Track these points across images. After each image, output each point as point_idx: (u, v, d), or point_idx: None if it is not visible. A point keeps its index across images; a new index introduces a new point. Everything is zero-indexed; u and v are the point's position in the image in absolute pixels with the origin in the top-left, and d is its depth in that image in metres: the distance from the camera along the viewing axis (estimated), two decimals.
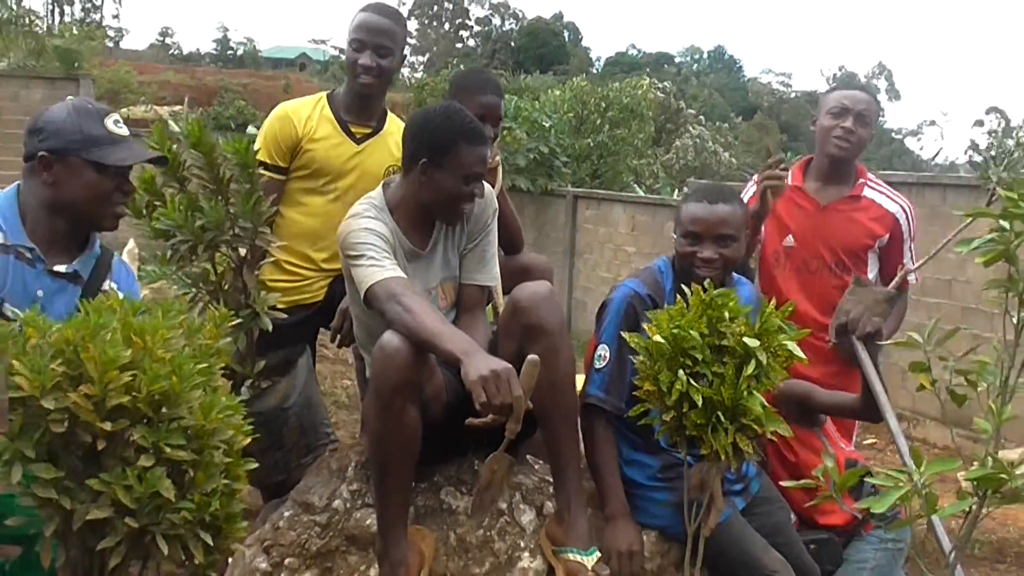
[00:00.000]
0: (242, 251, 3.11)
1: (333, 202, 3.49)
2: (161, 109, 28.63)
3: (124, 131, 2.72)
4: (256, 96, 39.34)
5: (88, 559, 1.99)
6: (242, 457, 2.92)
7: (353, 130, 3.56)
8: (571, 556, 2.74)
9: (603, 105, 17.73)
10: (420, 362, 2.61)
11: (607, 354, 2.97)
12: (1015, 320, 2.26)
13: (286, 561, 2.86)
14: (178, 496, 1.97)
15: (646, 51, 72.06)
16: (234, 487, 2.13)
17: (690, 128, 27.11)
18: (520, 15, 65.86)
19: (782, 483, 2.90)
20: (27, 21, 20.45)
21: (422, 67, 63.47)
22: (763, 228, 3.67)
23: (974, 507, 2.26)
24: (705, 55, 76.82)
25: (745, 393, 2.52)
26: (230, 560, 2.87)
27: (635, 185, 18.02)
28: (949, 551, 2.55)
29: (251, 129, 24.45)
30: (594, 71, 59.63)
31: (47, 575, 2.04)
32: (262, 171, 3.38)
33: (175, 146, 3.09)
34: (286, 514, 2.95)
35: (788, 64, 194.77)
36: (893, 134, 69.29)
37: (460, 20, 67.04)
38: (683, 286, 2.75)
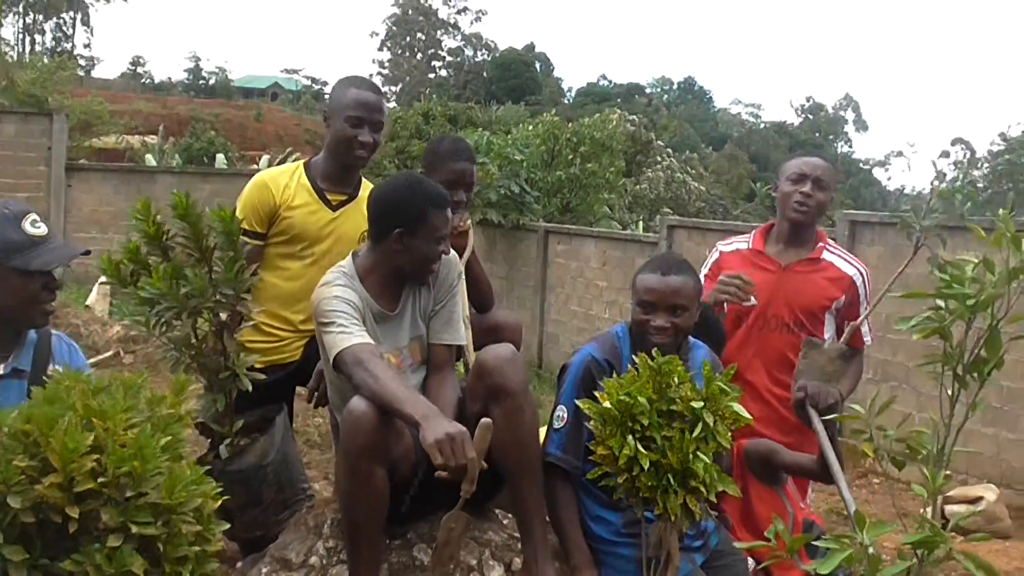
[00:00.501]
0: (223, 315, 3.24)
1: (310, 266, 3.63)
2: (132, 138, 28.64)
3: (43, 231, 2.81)
4: (228, 126, 39.37)
5: None
6: (220, 513, 3.06)
7: (329, 197, 3.70)
8: None
9: (574, 140, 17.94)
10: (386, 425, 2.77)
11: (565, 415, 3.13)
12: (950, 393, 2.40)
13: None
14: (149, 570, 2.09)
15: (617, 82, 72.65)
16: (206, 551, 2.25)
17: (660, 159, 27.42)
18: (492, 46, 66.32)
19: (737, 544, 3.05)
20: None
21: (394, 97, 63.81)
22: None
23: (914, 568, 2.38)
24: (675, 86, 77.51)
25: (692, 456, 2.67)
26: None
27: (610, 220, 18.22)
28: None
29: (220, 158, 24.48)
30: (566, 101, 60.13)
31: None
32: (242, 237, 3.51)
33: (158, 216, 3.21)
34: (264, 570, 3.07)
35: (757, 95, 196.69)
36: (860, 164, 70.24)
37: (432, 51, 67.41)
38: (635, 355, 2.89)
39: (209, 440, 3.40)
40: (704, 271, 4.05)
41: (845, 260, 3.94)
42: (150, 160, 22.47)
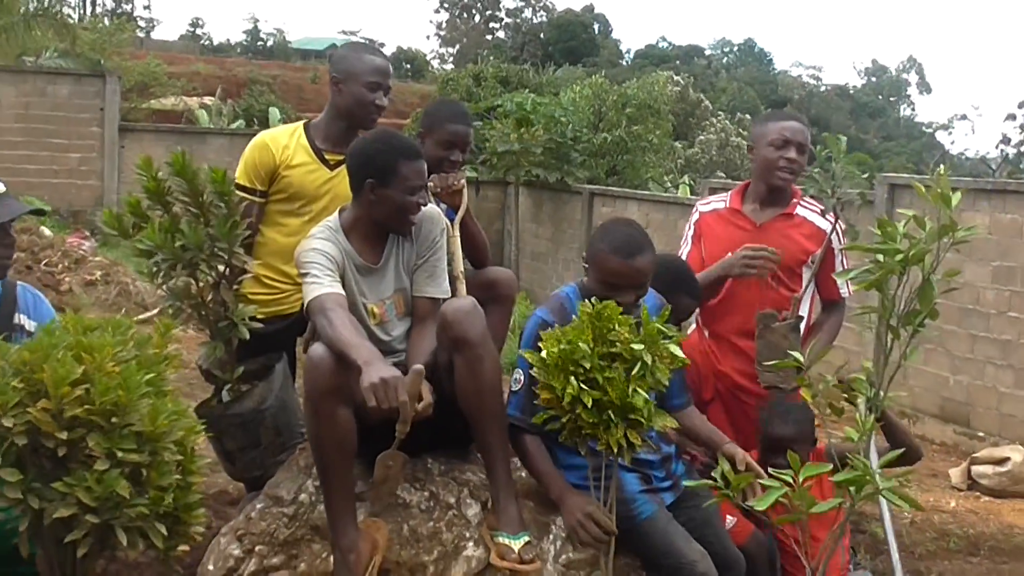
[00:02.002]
0: (221, 268, 3.45)
1: (308, 223, 3.78)
2: (190, 100, 28.96)
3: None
4: (285, 87, 39.58)
5: (60, 551, 2.34)
6: (222, 454, 3.28)
7: (327, 157, 3.87)
8: (502, 540, 3.10)
9: (620, 102, 17.96)
10: (346, 368, 2.94)
11: (521, 377, 3.30)
12: (884, 343, 2.52)
13: (256, 548, 3.18)
14: (135, 493, 2.30)
15: (676, 44, 71.86)
16: (189, 481, 2.47)
17: (713, 122, 27.22)
18: (551, 7, 65.88)
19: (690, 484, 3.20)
20: (58, 12, 20.75)
21: (452, 59, 63.79)
22: (704, 250, 4.01)
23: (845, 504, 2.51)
24: (735, 48, 76.48)
25: (631, 392, 2.87)
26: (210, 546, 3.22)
27: (651, 181, 18.23)
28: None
29: (274, 113, 24.70)
30: (624, 63, 59.65)
31: (28, 565, 2.39)
32: (243, 195, 3.74)
33: (159, 173, 3.42)
34: (258, 506, 3.28)
35: (818, 57, 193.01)
36: (923, 128, 68.85)
37: (490, 12, 67.14)
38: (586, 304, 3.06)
39: (213, 385, 3.63)
40: (688, 232, 4.18)
41: (819, 215, 4.01)
42: (203, 119, 22.84)
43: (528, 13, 66.77)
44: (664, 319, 3.02)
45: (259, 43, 64.51)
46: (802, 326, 3.85)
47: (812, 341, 3.78)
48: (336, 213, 3.44)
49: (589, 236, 14.97)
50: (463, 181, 3.91)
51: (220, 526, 3.44)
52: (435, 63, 62.30)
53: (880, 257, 2.49)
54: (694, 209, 4.27)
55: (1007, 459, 7.58)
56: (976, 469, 7.59)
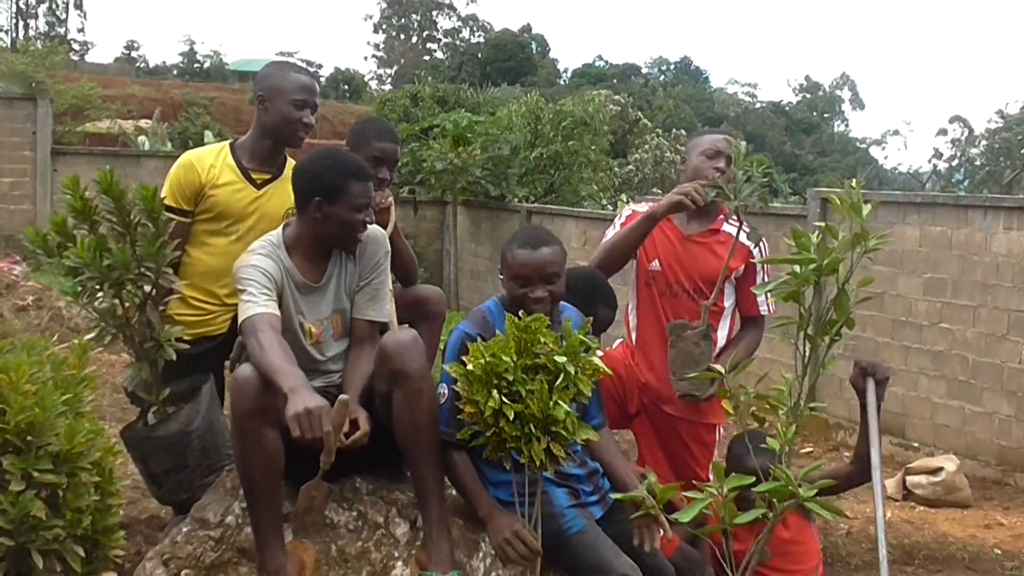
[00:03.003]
0: (147, 288, 3.41)
1: (235, 243, 3.78)
2: (125, 123, 28.63)
3: None
4: (222, 110, 39.27)
5: None
6: (148, 478, 3.24)
7: (254, 176, 3.86)
8: None
9: (556, 119, 18.05)
10: (272, 390, 2.91)
11: (445, 391, 3.29)
12: (803, 353, 2.56)
13: (183, 573, 3.13)
14: (51, 515, 2.27)
15: (613, 62, 72.39)
16: (108, 503, 2.43)
17: (647, 139, 27.41)
18: (488, 27, 66.15)
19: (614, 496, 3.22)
20: None
21: (390, 79, 63.73)
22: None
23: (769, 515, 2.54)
24: (672, 66, 77.29)
25: (552, 405, 2.90)
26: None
27: (588, 199, 18.33)
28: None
29: (207, 135, 24.52)
30: (561, 83, 59.97)
31: None
32: (169, 215, 3.67)
33: (86, 192, 3.38)
34: (184, 529, 3.23)
35: (754, 74, 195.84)
36: (857, 143, 70.06)
37: (428, 32, 67.26)
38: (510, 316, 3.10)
39: (139, 408, 3.59)
40: (617, 221, 4.20)
41: (742, 231, 4.06)
42: (144, 143, 22.59)
43: (466, 33, 66.98)
44: (586, 331, 3.04)
45: (196, 65, 63.92)
46: (723, 339, 3.90)
47: (729, 353, 3.83)
48: (279, 229, 3.42)
49: None
50: (390, 199, 3.90)
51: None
52: (373, 84, 62.23)
53: (796, 268, 2.53)
54: (626, 208, 4.30)
55: (940, 469, 7.71)
56: (911, 479, 7.72)
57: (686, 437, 4.05)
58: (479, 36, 66.16)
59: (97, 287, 3.32)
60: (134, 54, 66.84)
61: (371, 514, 3.26)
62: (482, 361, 2.94)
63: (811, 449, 9.49)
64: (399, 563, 3.17)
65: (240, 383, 2.94)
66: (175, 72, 62.34)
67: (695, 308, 3.91)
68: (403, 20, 67.21)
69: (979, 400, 8.46)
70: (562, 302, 3.53)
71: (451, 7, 68.50)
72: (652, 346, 4.05)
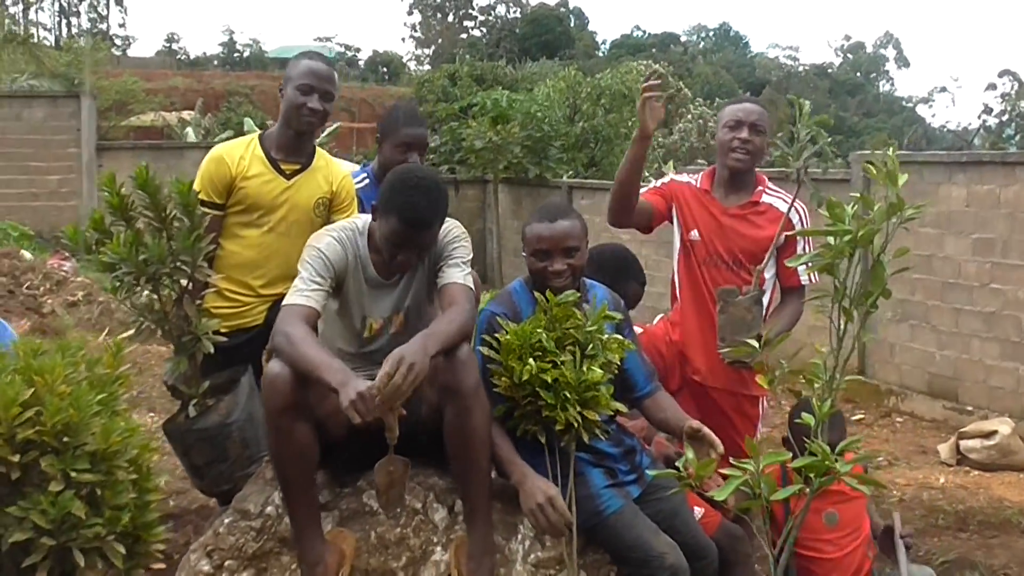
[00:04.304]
0: (184, 282, 3.43)
1: (267, 234, 3.81)
2: (169, 115, 28.92)
3: None
4: (263, 97, 39.45)
5: (19, 575, 2.32)
6: (190, 469, 3.27)
7: (283, 167, 3.86)
8: None
9: (595, 93, 17.97)
10: (304, 384, 2.91)
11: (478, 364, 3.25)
12: (838, 328, 2.51)
13: (226, 563, 3.16)
14: (90, 514, 2.29)
15: (651, 32, 71.87)
16: (146, 500, 2.45)
17: (691, 109, 27.18)
18: (524, 2, 65.78)
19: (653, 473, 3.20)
20: (32, 37, 20.72)
21: (428, 60, 63.68)
22: (675, 216, 4.02)
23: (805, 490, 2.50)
24: (711, 33, 76.52)
25: (586, 372, 2.94)
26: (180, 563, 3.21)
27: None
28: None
29: (248, 122, 24.72)
30: (600, 55, 59.60)
31: None
32: (203, 208, 3.68)
33: (123, 188, 3.41)
34: (226, 521, 3.26)
35: (794, 37, 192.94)
36: (904, 102, 68.96)
37: (463, 11, 67.04)
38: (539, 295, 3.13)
39: (180, 401, 3.62)
40: (655, 183, 4.16)
41: (784, 200, 4.00)
42: (191, 135, 22.79)
43: (501, 9, 66.71)
44: (608, 314, 3.11)
45: (235, 54, 64.23)
46: (765, 301, 3.85)
47: (771, 325, 3.78)
48: (370, 215, 3.31)
49: None
50: None
51: None
52: (411, 65, 62.23)
53: (830, 240, 2.48)
54: (667, 176, 4.27)
55: (995, 432, 7.58)
56: (965, 444, 7.59)
57: (729, 410, 4.01)
58: (515, 12, 65.83)
59: (134, 282, 3.35)
60: (175, 46, 67.40)
61: (409, 500, 3.25)
62: (517, 332, 2.98)
63: (863, 416, 9.38)
64: (438, 548, 3.17)
65: (271, 379, 2.93)
66: (215, 63, 62.70)
67: (735, 278, 3.87)
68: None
69: None
70: (590, 280, 3.50)
71: None
72: (691, 312, 4.03)
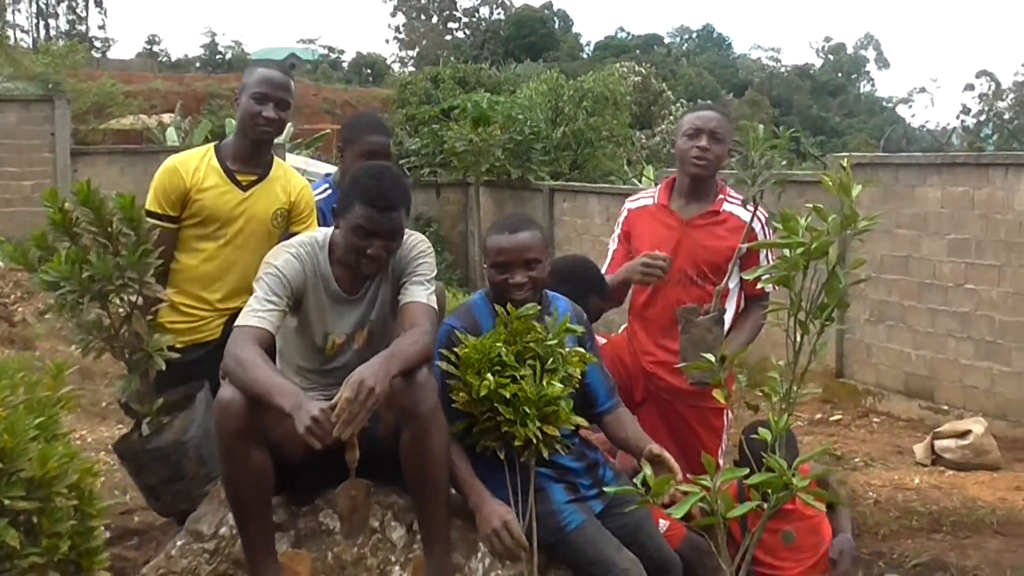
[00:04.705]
0: (133, 298, 3.36)
1: (224, 246, 3.74)
2: (148, 119, 28.76)
3: None
4: None
5: None
6: (145, 490, 3.19)
7: (239, 178, 3.79)
8: None
9: (577, 96, 17.94)
10: (257, 408, 2.83)
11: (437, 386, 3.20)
12: (794, 342, 2.46)
13: None
14: (26, 543, 2.22)
15: (635, 33, 71.98)
16: (89, 526, 2.38)
17: (672, 110, 27.24)
18: (508, 4, 65.79)
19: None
20: (9, 39, 20.52)
21: (412, 61, 63.59)
22: (631, 247, 3.96)
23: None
24: (694, 34, 76.71)
25: (546, 384, 2.90)
26: None
27: (613, 174, 18.21)
28: None
29: (230, 123, 24.55)
30: (584, 56, 59.65)
31: None
32: (154, 221, 3.63)
33: (66, 203, 3.33)
34: (179, 543, 3.19)
35: (777, 39, 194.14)
36: (884, 103, 69.32)
37: (447, 12, 66.99)
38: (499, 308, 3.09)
39: (133, 419, 3.55)
40: (616, 231, 4.13)
41: (745, 209, 3.93)
42: (173, 137, 22.61)
43: (485, 11, 66.68)
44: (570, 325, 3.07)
45: (217, 56, 64.08)
46: (728, 319, 3.81)
47: (736, 337, 3.74)
48: (331, 228, 3.25)
49: (551, 233, 15.02)
50: None
51: None
52: (396, 67, 62.16)
53: (786, 252, 2.43)
54: (623, 207, 4.22)
55: (969, 432, 7.57)
56: (939, 444, 7.59)
57: (694, 423, 3.96)
58: (499, 13, 65.81)
59: (79, 300, 3.27)
60: (156, 48, 67.23)
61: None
62: (475, 346, 2.93)
63: (840, 416, 9.39)
64: (396, 567, 3.10)
65: (223, 404, 2.86)
66: (197, 65, 62.53)
67: (699, 293, 3.82)
68: (422, 1, 67.00)
69: (1007, 360, 8.31)
70: (553, 292, 3.45)
71: None
72: (654, 334, 3.97)
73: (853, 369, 9.87)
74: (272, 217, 3.79)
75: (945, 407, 8.83)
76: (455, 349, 3.04)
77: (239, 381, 2.85)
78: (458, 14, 67.20)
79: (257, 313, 3.01)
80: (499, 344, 2.93)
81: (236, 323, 3.01)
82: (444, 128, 16.91)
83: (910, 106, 72.96)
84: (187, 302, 3.76)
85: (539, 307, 3.16)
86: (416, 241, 3.28)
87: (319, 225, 3.87)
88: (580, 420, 3.07)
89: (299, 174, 3.97)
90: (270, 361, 2.96)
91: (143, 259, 3.31)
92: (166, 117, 27.74)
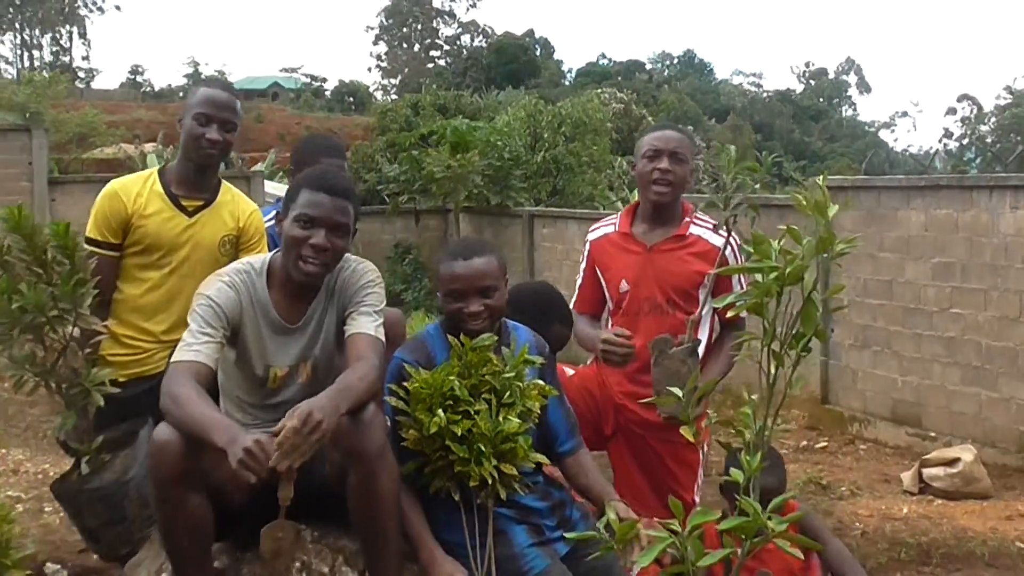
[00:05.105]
0: (69, 330, 3.17)
1: (169, 275, 3.57)
2: (129, 147, 28.69)
3: None
4: None
5: None
6: (84, 532, 3.00)
7: (184, 203, 3.63)
8: None
9: (555, 122, 17.85)
10: (195, 451, 2.65)
11: (386, 424, 3.01)
12: (768, 374, 2.28)
13: None
14: None
15: (616, 60, 72.36)
16: None
17: None
18: (490, 32, 66.05)
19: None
20: None
21: (394, 89, 63.73)
22: (603, 280, 3.84)
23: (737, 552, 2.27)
24: (675, 60, 77.21)
25: (502, 419, 2.74)
26: None
27: (593, 199, 18.10)
28: None
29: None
30: (566, 83, 59.88)
31: None
32: (94, 249, 3.48)
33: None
34: None
35: (758, 64, 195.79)
36: (866, 127, 69.83)
37: (429, 40, 67.21)
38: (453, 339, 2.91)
39: (73, 458, 3.35)
40: (582, 264, 3.97)
41: (716, 233, 3.75)
42: (154, 164, 22.44)
43: (467, 39, 66.93)
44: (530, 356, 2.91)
45: None
46: (701, 349, 3.61)
47: (711, 367, 3.56)
48: (269, 254, 3.09)
49: (531, 259, 14.88)
50: None
51: None
52: (379, 95, 62.25)
53: (758, 277, 2.25)
54: (585, 239, 4.03)
55: (958, 460, 7.42)
56: (927, 472, 7.44)
57: (667, 458, 3.76)
58: (480, 41, 66.07)
59: (10, 332, 3.07)
60: (139, 78, 67.30)
61: (316, 564, 2.98)
62: (425, 383, 2.75)
63: (826, 443, 9.25)
64: None
65: (159, 446, 2.66)
66: (181, 94, 62.51)
67: (671, 321, 3.64)
68: (404, 30, 67.19)
69: (995, 386, 8.16)
70: (513, 322, 3.27)
71: (451, 14, 68.52)
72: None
73: (839, 395, 9.72)
74: (219, 244, 3.62)
75: (933, 434, 8.68)
76: (405, 384, 2.85)
77: (174, 419, 2.67)
78: (440, 42, 67.44)
79: (191, 347, 2.83)
80: (452, 378, 2.74)
81: (172, 359, 2.83)
82: (423, 154, 16.78)
83: (892, 130, 73.61)
84: (130, 333, 3.58)
85: (496, 338, 2.98)
86: (365, 269, 3.11)
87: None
88: (540, 457, 2.89)
89: (248, 199, 3.79)
90: (206, 396, 2.76)
91: (77, 289, 3.12)
92: (148, 146, 27.79)
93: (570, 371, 3.81)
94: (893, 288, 8.99)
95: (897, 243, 8.90)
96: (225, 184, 3.75)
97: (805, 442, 9.19)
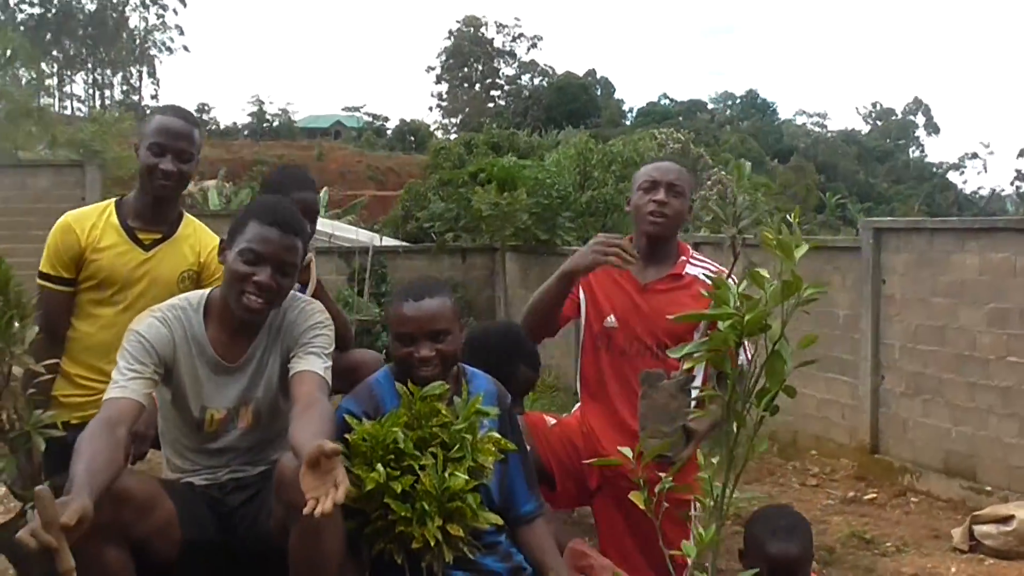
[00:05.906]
0: (6, 371, 2.98)
1: (123, 312, 3.37)
2: (191, 186, 29.07)
3: None
4: None
5: None
6: None
7: (141, 236, 3.46)
8: None
9: (605, 161, 17.68)
10: (118, 504, 2.47)
11: None
12: (728, 434, 2.00)
13: None
14: None
15: (678, 99, 72.20)
16: None
17: (710, 174, 26.97)
18: (550, 72, 66.32)
19: None
20: (47, 109, 20.88)
21: (455, 129, 64.17)
22: (584, 308, 3.51)
23: None
24: (738, 100, 76.84)
25: (448, 476, 2.52)
26: None
27: None
28: None
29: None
30: (626, 123, 59.84)
31: None
32: (46, 284, 3.35)
33: None
34: None
35: (822, 104, 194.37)
36: (934, 168, 68.72)
37: (490, 80, 67.63)
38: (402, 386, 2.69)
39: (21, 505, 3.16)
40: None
41: (712, 272, 3.52)
42: (215, 200, 22.76)
43: (527, 79, 67.26)
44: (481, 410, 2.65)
45: (265, 124, 65.08)
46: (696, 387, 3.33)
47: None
48: (208, 289, 2.93)
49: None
50: (311, 255, 3.43)
51: None
52: (439, 134, 62.71)
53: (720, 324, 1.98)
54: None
55: (1012, 516, 7.00)
56: (979, 529, 7.02)
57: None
58: (541, 81, 66.40)
59: None
60: (205, 116, 68.54)
61: None
62: (366, 435, 2.53)
63: (875, 495, 8.84)
64: None
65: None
66: (246, 133, 63.63)
67: (661, 368, 3.35)
68: (465, 70, 67.71)
69: None
70: (472, 368, 3.03)
71: (511, 54, 68.89)
72: (610, 412, 3.51)
73: (889, 444, 9.28)
74: (178, 280, 3.44)
75: (988, 488, 8.23)
76: (346, 436, 2.61)
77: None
78: (500, 82, 67.84)
79: (118, 384, 2.65)
80: (396, 429, 2.50)
81: (106, 396, 2.64)
82: (470, 192, 16.67)
83: (961, 172, 72.20)
84: (83, 373, 3.41)
85: (447, 386, 2.73)
86: (314, 310, 2.90)
87: None
88: (493, 517, 2.64)
89: (211, 232, 3.60)
90: (97, 442, 2.54)
91: (10, 328, 2.93)
92: (209, 183, 28.23)
93: (552, 420, 3.56)
94: (946, 334, 8.59)
95: (951, 287, 8.51)
96: (187, 217, 3.58)
97: (853, 493, 8.81)
